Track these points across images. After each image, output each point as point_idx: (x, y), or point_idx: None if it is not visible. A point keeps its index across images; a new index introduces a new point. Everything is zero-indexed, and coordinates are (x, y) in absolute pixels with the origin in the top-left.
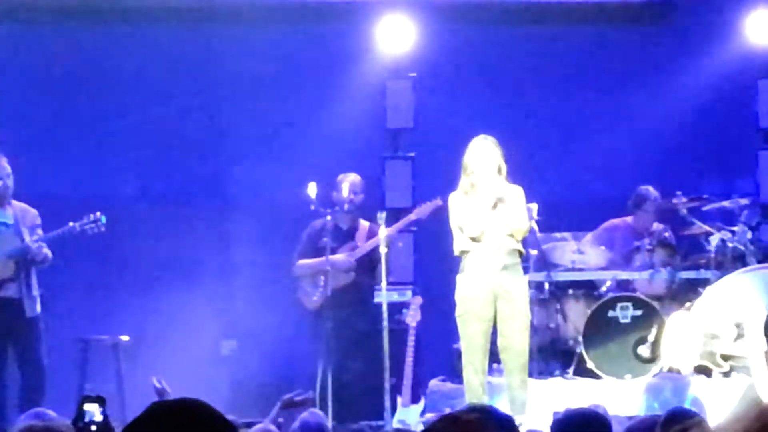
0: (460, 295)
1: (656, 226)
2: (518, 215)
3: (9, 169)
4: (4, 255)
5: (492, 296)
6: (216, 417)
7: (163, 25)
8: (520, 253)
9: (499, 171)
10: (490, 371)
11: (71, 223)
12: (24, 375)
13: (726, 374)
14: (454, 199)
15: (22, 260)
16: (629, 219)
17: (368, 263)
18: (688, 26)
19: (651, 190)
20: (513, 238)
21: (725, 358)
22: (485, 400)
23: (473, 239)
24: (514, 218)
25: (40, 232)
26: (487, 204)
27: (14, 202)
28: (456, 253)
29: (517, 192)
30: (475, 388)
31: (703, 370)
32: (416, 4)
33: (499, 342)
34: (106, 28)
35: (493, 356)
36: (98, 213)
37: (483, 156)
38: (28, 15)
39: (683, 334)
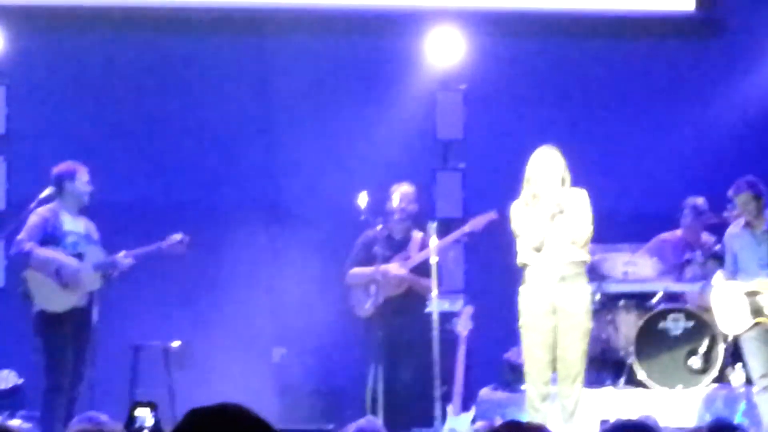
0: (521, 306)
1: (706, 238)
2: (579, 222)
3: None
4: (92, 267)
5: (550, 308)
6: (256, 421)
7: (217, 36)
8: (584, 262)
9: (563, 182)
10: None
11: (161, 243)
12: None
13: None
14: (515, 209)
15: (106, 274)
16: (678, 232)
17: (420, 273)
18: (736, 40)
19: (700, 202)
20: (575, 246)
21: None
22: (542, 411)
23: (533, 250)
24: (575, 226)
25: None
26: (547, 215)
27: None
28: (518, 264)
29: (580, 196)
30: (531, 398)
31: None
32: (466, 16)
33: (556, 351)
34: (159, 39)
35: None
36: (180, 234)
37: (546, 167)
38: (94, 26)
39: (727, 300)
